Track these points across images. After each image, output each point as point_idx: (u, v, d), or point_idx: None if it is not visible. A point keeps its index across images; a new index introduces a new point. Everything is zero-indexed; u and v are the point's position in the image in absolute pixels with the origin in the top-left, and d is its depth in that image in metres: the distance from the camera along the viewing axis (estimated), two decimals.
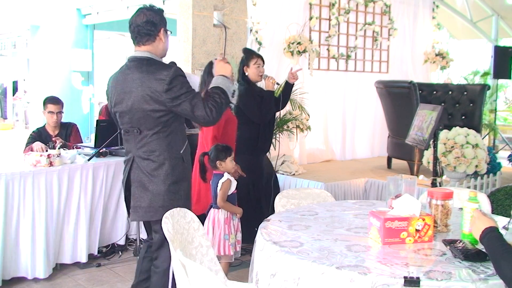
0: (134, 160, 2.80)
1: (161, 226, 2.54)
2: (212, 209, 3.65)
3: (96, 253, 4.29)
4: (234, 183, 3.63)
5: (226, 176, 3.58)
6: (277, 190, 4.51)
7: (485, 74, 8.71)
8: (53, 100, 4.73)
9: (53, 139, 4.56)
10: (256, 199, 4.50)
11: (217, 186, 3.58)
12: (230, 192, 3.61)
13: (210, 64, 4.07)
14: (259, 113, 4.33)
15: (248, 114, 4.29)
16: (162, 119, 2.70)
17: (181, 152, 2.81)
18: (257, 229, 2.44)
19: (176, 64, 3.09)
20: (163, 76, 2.64)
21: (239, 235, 3.76)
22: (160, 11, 2.83)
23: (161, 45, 2.81)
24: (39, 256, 3.79)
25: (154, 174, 2.74)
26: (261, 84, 4.54)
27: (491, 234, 1.81)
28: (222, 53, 2.83)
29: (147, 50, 2.76)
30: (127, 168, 2.85)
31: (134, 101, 2.69)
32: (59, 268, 4.05)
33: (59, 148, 4.11)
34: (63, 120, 4.93)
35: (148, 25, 2.74)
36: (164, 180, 2.74)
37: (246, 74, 4.41)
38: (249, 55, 4.44)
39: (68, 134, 4.84)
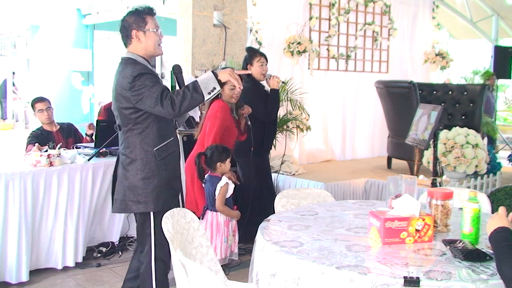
0: (119, 155, 2.98)
1: (145, 221, 2.86)
2: (210, 212, 3.59)
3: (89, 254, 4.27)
4: (231, 187, 3.58)
5: (225, 180, 3.54)
6: (273, 192, 4.57)
7: (486, 73, 8.71)
8: (38, 99, 4.81)
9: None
10: (266, 198, 4.54)
11: (215, 189, 3.53)
12: (227, 196, 3.57)
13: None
14: (265, 111, 4.36)
15: (254, 112, 4.31)
16: (132, 116, 2.80)
17: (155, 149, 2.84)
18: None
19: (179, 67, 3.10)
20: (128, 74, 2.74)
21: (237, 236, 3.75)
22: (136, 12, 2.85)
23: (140, 45, 2.85)
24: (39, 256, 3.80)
25: (128, 169, 2.87)
26: (264, 83, 4.56)
27: (501, 234, 1.80)
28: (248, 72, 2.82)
29: (130, 51, 2.88)
30: (116, 163, 3.04)
31: (114, 100, 2.87)
32: (59, 268, 4.05)
33: (59, 148, 4.11)
34: (62, 120, 4.94)
35: (123, 30, 2.88)
36: (135, 175, 2.84)
37: (250, 72, 4.43)
38: (252, 53, 4.47)
39: (72, 135, 4.87)
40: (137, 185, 2.84)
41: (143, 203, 2.84)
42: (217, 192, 3.51)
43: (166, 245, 2.83)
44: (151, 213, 2.86)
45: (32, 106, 4.78)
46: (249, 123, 4.09)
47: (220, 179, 3.55)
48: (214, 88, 2.76)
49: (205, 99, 2.76)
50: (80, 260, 4.10)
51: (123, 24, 2.85)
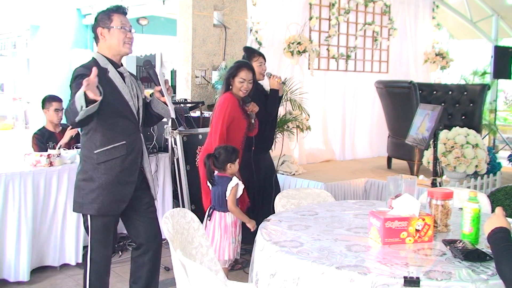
0: None
1: (87, 220, 2.83)
2: (217, 213, 3.52)
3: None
4: (241, 187, 3.53)
5: (236, 180, 3.48)
6: (277, 189, 4.52)
7: (484, 73, 8.71)
8: (56, 98, 4.77)
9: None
10: (251, 197, 4.49)
11: (224, 190, 3.47)
12: (237, 196, 3.51)
13: (237, 68, 3.98)
14: (264, 112, 4.33)
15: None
16: None
17: (95, 152, 2.76)
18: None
19: (150, 62, 2.97)
20: (75, 72, 2.75)
21: (240, 237, 3.73)
22: (104, 11, 2.83)
23: (105, 43, 2.83)
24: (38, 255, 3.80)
25: (77, 168, 2.91)
26: (263, 83, 4.54)
27: (499, 234, 1.80)
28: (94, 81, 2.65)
29: (97, 51, 2.88)
30: None
31: None
32: (59, 269, 4.05)
33: (58, 148, 4.12)
34: (62, 120, 4.94)
35: (92, 29, 2.88)
36: (78, 175, 2.88)
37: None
38: (250, 53, 4.43)
39: (74, 137, 4.87)
40: (78, 185, 2.85)
41: (79, 204, 2.83)
42: (228, 193, 3.46)
43: (103, 250, 2.87)
44: (88, 216, 2.83)
45: (45, 103, 4.70)
46: (253, 121, 4.02)
47: (229, 179, 3.48)
48: (82, 107, 2.45)
49: (78, 117, 2.48)
50: (80, 260, 4.10)
51: (92, 26, 2.86)
